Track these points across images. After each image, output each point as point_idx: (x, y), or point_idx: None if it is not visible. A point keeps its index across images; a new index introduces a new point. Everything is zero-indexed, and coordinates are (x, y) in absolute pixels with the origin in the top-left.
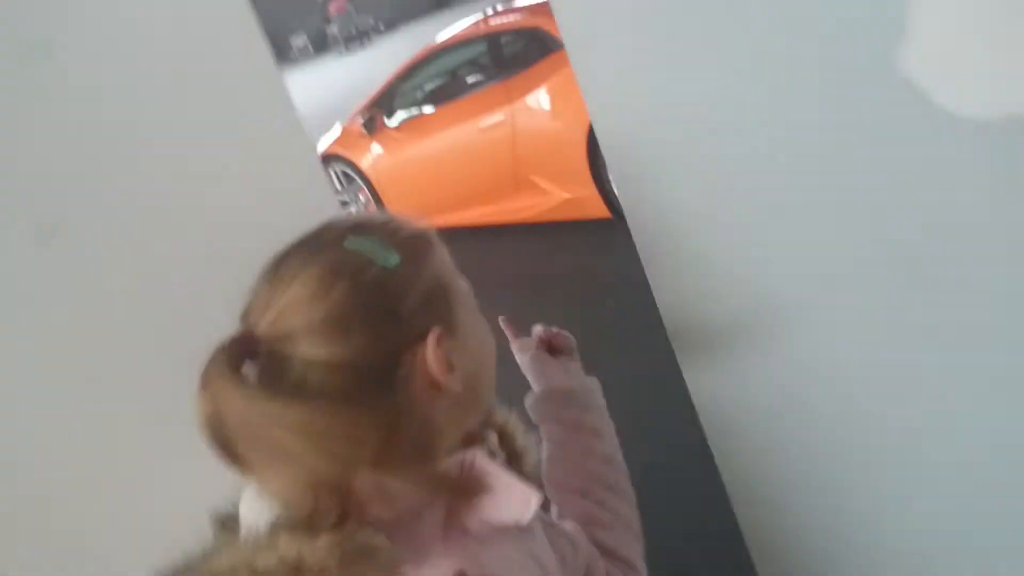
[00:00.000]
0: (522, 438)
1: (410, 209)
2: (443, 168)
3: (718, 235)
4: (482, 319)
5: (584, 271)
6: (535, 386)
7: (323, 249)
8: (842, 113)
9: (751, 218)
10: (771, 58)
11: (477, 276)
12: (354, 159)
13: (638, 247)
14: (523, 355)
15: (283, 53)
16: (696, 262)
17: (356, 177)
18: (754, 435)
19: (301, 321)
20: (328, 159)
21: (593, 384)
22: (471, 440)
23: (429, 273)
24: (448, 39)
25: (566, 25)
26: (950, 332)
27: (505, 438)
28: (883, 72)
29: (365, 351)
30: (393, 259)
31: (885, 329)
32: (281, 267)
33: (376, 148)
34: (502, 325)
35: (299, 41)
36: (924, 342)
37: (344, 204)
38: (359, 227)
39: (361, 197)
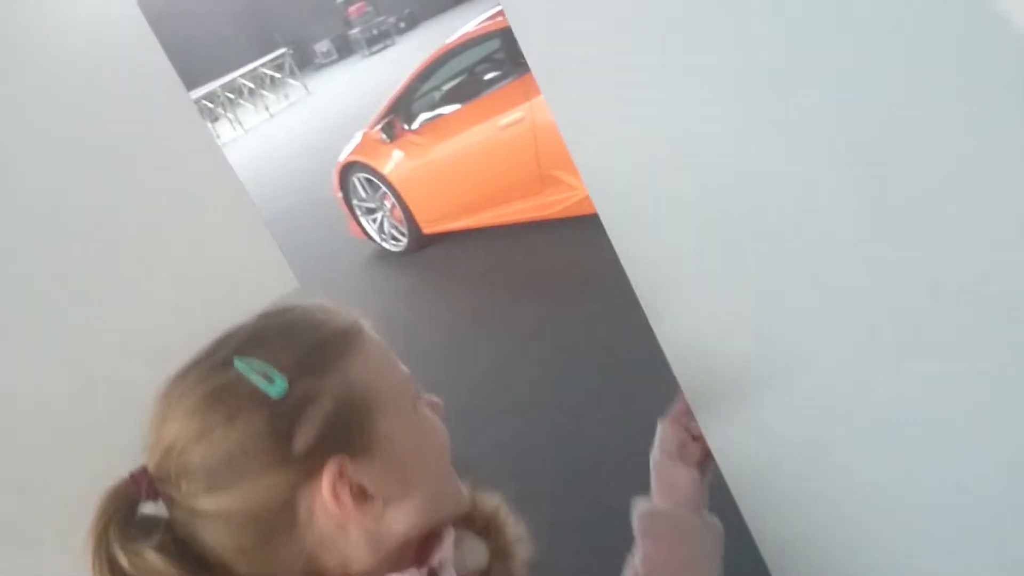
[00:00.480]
0: (512, 530)
1: (436, 211)
2: (466, 168)
3: (720, 276)
4: (421, 410)
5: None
6: (655, 494)
7: (212, 371)
8: (850, 131)
9: (754, 254)
10: (766, 72)
11: (509, 276)
12: (376, 166)
13: (638, 294)
14: (660, 450)
15: (308, 60)
16: (699, 308)
17: (380, 183)
18: (774, 477)
19: (182, 464)
20: (350, 167)
21: (718, 528)
22: (436, 541)
23: (335, 390)
24: (461, 37)
25: (537, 66)
26: (971, 363)
27: (492, 531)
28: (897, 81)
29: (253, 499)
30: (278, 388)
31: (901, 363)
32: (171, 390)
33: (397, 153)
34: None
35: (323, 47)
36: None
37: (370, 211)
38: (252, 342)
39: (386, 203)
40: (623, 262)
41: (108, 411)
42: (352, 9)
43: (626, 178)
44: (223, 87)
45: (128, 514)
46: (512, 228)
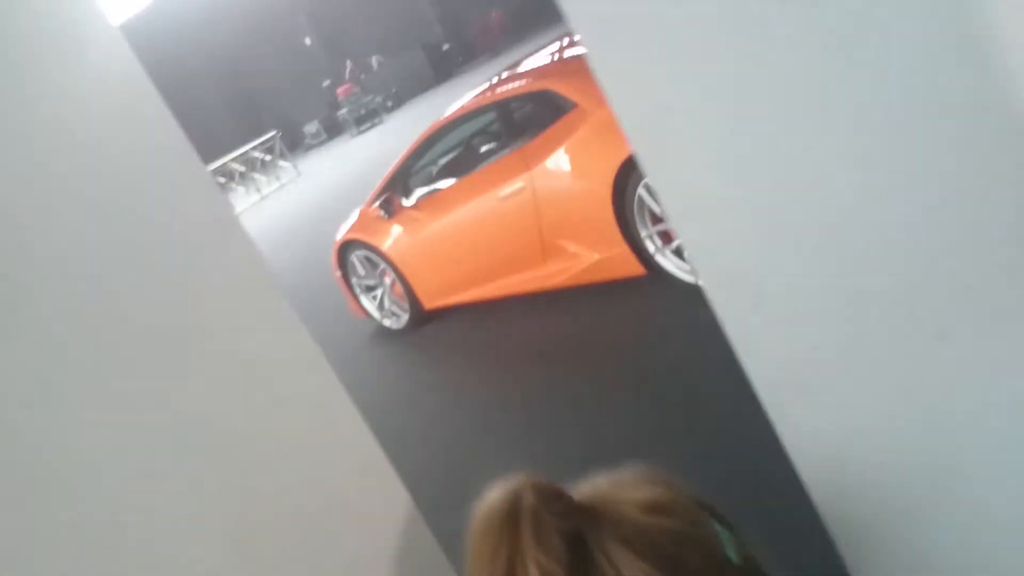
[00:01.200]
0: None
1: (437, 286)
2: (467, 241)
3: (800, 280)
4: None
5: (630, 330)
6: None
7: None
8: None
9: (840, 264)
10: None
11: (514, 350)
12: (374, 243)
13: (757, 389)
14: None
15: (298, 141)
16: (828, 407)
17: (379, 260)
18: (849, 467)
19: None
20: (348, 245)
21: None
22: None
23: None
24: (455, 112)
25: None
26: None
27: None
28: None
29: None
30: (735, 557)
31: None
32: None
33: (396, 229)
34: None
35: (311, 128)
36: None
37: (370, 288)
38: (710, 509)
39: (386, 279)
40: (740, 355)
41: None
42: (340, 90)
43: (742, 269)
44: (215, 171)
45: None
46: (514, 300)
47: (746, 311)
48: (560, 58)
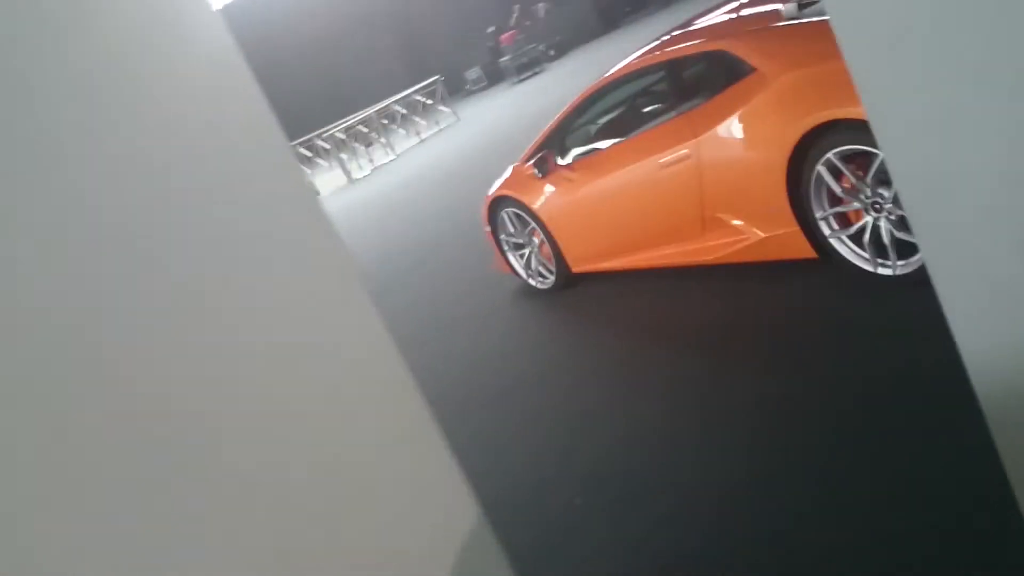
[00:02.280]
0: None
1: (587, 250)
2: (621, 207)
3: None
4: None
5: (796, 319)
6: None
7: None
8: None
9: None
10: None
11: (660, 323)
12: (526, 201)
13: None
14: None
15: (459, 87)
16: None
17: (529, 219)
18: None
19: None
20: (499, 201)
21: None
22: None
23: None
24: (622, 68)
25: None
26: None
27: None
28: None
29: None
30: None
31: None
32: None
33: (549, 188)
34: None
35: (473, 74)
36: None
37: (519, 246)
38: None
39: (535, 239)
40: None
41: None
42: (504, 37)
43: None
44: (378, 113)
45: None
46: (668, 272)
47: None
48: (739, 17)
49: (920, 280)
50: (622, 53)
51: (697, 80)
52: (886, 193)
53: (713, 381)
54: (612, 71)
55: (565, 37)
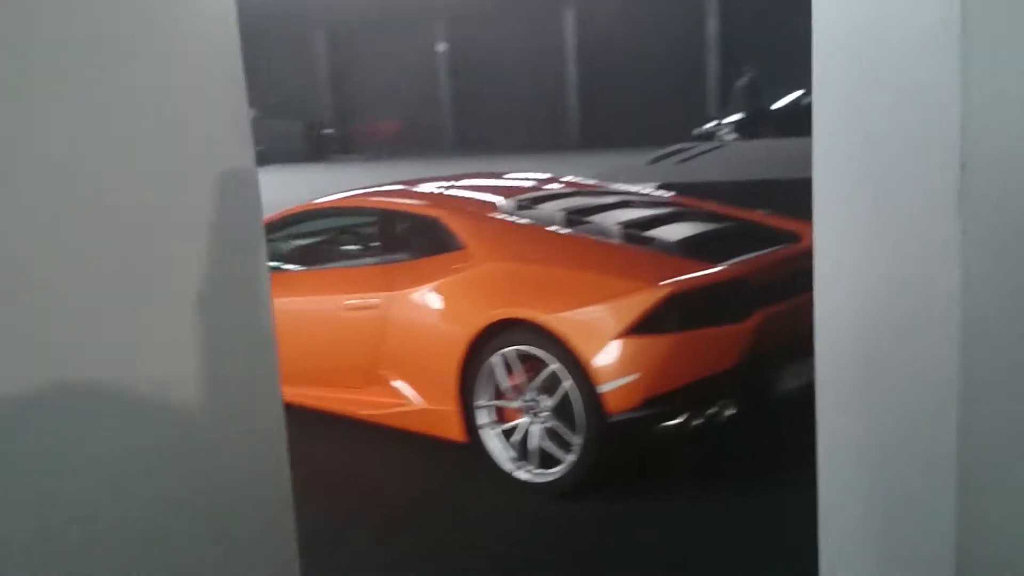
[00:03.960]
0: None
1: None
2: (290, 335)
3: None
4: None
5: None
6: None
7: None
8: None
9: None
10: None
11: None
12: None
13: None
14: None
15: None
16: None
17: None
18: None
19: None
20: None
21: None
22: None
23: None
24: (333, 200)
25: None
26: None
27: None
28: None
29: None
30: None
31: None
32: None
33: None
34: None
35: None
36: None
37: None
38: None
39: None
40: None
41: None
42: None
43: None
44: None
45: None
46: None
47: None
48: (462, 196)
49: (555, 493)
50: (321, 185)
51: (406, 237)
52: (545, 402)
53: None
54: (325, 199)
55: (267, 150)
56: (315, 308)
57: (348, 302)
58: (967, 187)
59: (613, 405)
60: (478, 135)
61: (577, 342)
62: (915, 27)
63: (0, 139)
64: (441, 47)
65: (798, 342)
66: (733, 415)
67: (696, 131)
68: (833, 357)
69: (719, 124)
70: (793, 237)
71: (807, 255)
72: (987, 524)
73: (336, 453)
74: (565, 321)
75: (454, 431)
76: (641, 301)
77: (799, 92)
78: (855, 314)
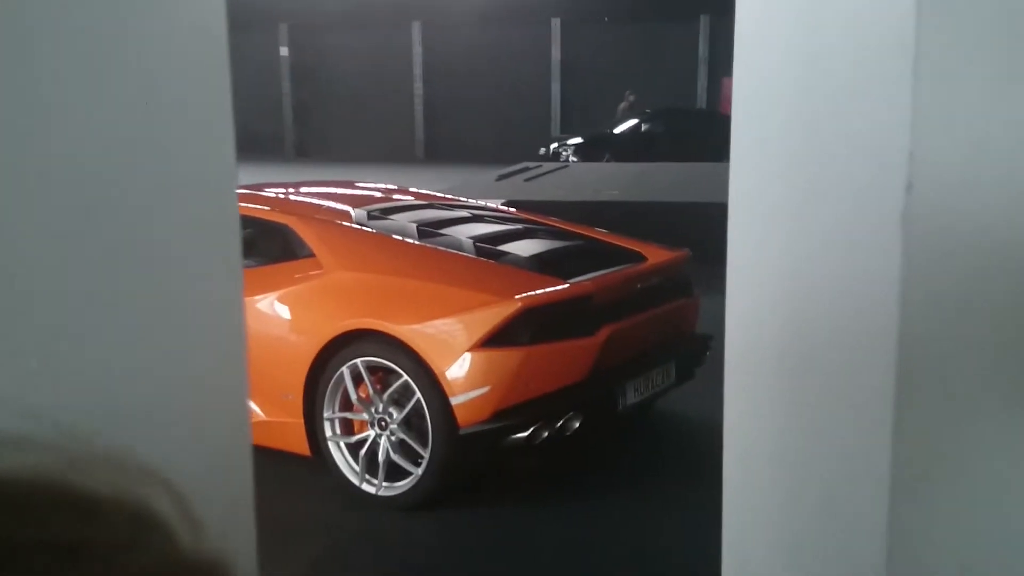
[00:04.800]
0: None
1: None
2: None
3: None
4: None
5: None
6: None
7: None
8: None
9: None
10: None
11: None
12: None
13: None
14: None
15: None
16: None
17: None
18: None
19: None
20: None
21: None
22: None
23: None
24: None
25: None
26: None
27: None
28: None
29: None
30: None
31: None
32: None
33: None
34: None
35: None
36: None
37: None
38: None
39: None
40: None
41: None
42: None
43: None
44: None
45: None
46: None
47: None
48: (313, 203)
49: (403, 506)
50: None
51: (253, 242)
52: (395, 414)
53: None
54: None
55: None
56: None
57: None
58: (911, 209)
59: (463, 418)
60: (320, 143)
61: (429, 354)
62: (867, 45)
63: None
64: (283, 51)
65: (641, 357)
66: (578, 428)
67: (540, 151)
68: (743, 374)
69: (562, 145)
70: (638, 257)
71: (652, 274)
72: (919, 535)
73: None
74: (417, 333)
75: (299, 445)
76: (495, 314)
77: (635, 120)
78: (777, 325)
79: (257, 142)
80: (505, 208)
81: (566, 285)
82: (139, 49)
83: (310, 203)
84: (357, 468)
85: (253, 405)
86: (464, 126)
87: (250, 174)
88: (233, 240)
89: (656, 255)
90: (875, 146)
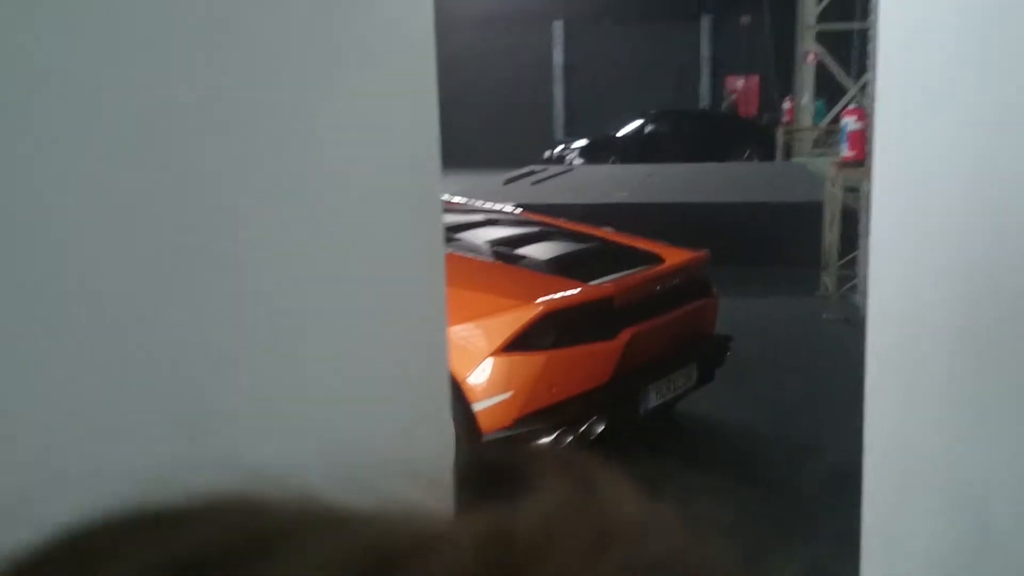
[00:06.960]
0: None
1: None
2: None
3: None
4: None
5: None
6: None
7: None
8: None
9: None
10: None
11: None
12: None
13: None
14: None
15: None
16: None
17: None
18: None
19: None
20: None
21: None
22: None
23: None
24: None
25: None
26: None
27: None
28: None
29: None
30: None
31: None
32: None
33: None
34: None
35: None
36: None
37: None
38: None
39: None
40: None
41: None
42: None
43: None
44: None
45: None
46: None
47: None
48: None
49: None
50: None
51: None
52: None
53: None
54: None
55: None
56: None
57: None
58: None
59: (487, 424)
60: None
61: (450, 360)
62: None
63: (214, 143)
64: None
65: (662, 360)
66: (603, 431)
67: (545, 154)
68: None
69: (567, 148)
70: (656, 258)
71: (671, 275)
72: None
73: None
74: None
75: None
76: (516, 318)
77: (640, 121)
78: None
79: None
80: (516, 211)
81: (588, 287)
82: (351, 53)
83: None
84: None
85: None
86: (466, 130)
87: None
88: (438, 256)
89: (675, 256)
90: None
